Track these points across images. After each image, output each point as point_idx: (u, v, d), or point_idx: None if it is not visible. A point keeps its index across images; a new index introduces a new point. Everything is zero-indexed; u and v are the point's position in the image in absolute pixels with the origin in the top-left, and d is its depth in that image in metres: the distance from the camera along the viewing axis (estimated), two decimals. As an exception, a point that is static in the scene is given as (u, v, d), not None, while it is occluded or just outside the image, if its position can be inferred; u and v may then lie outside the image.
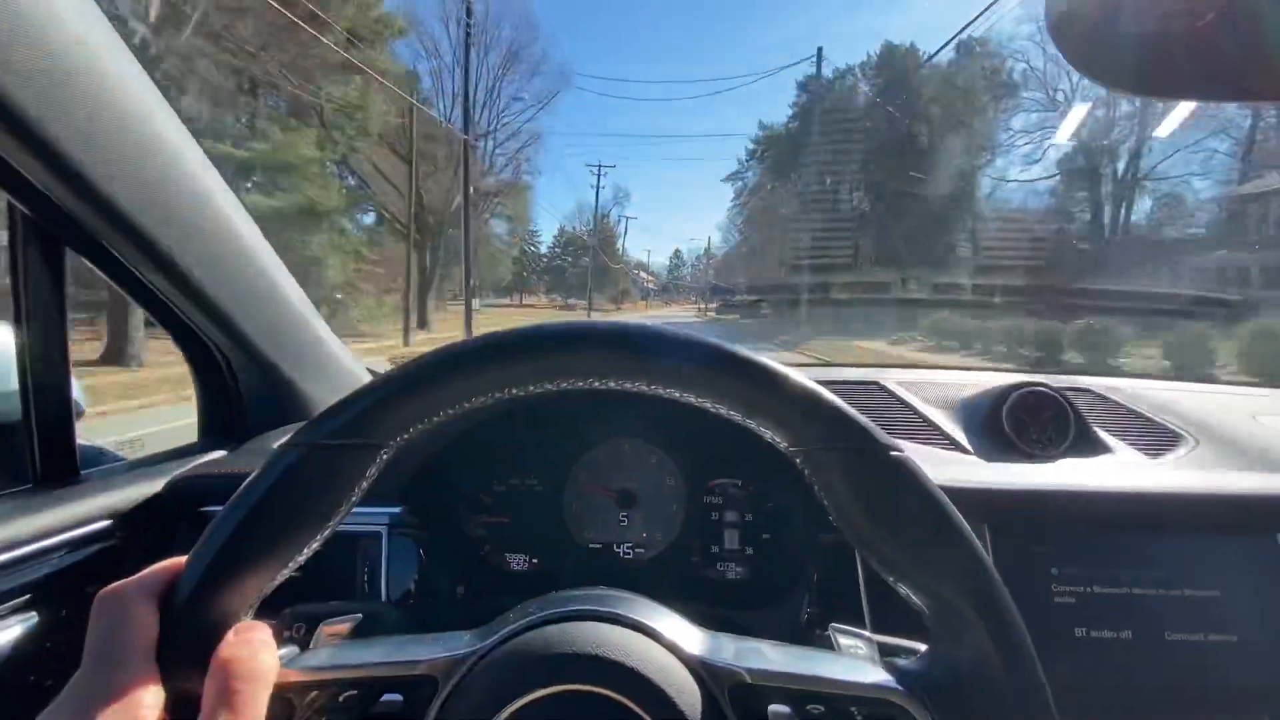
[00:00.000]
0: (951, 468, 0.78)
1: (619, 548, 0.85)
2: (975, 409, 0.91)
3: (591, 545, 0.85)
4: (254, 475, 0.37)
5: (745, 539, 0.84)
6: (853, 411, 0.41)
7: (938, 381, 1.02)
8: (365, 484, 0.39)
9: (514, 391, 0.41)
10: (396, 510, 0.76)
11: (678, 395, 0.41)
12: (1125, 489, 0.73)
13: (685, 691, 0.39)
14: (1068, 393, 0.89)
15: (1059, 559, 0.71)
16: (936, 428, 0.89)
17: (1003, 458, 0.83)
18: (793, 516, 0.84)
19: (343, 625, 0.50)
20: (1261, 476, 0.76)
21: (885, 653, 0.47)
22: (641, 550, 0.85)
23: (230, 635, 0.36)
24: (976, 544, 0.39)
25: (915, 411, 0.93)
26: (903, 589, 0.41)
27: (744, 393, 0.41)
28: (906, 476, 0.40)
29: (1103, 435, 0.86)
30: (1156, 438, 0.88)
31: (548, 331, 0.41)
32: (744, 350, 0.42)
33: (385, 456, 0.39)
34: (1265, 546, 0.70)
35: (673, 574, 0.83)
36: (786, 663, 0.42)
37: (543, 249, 64.31)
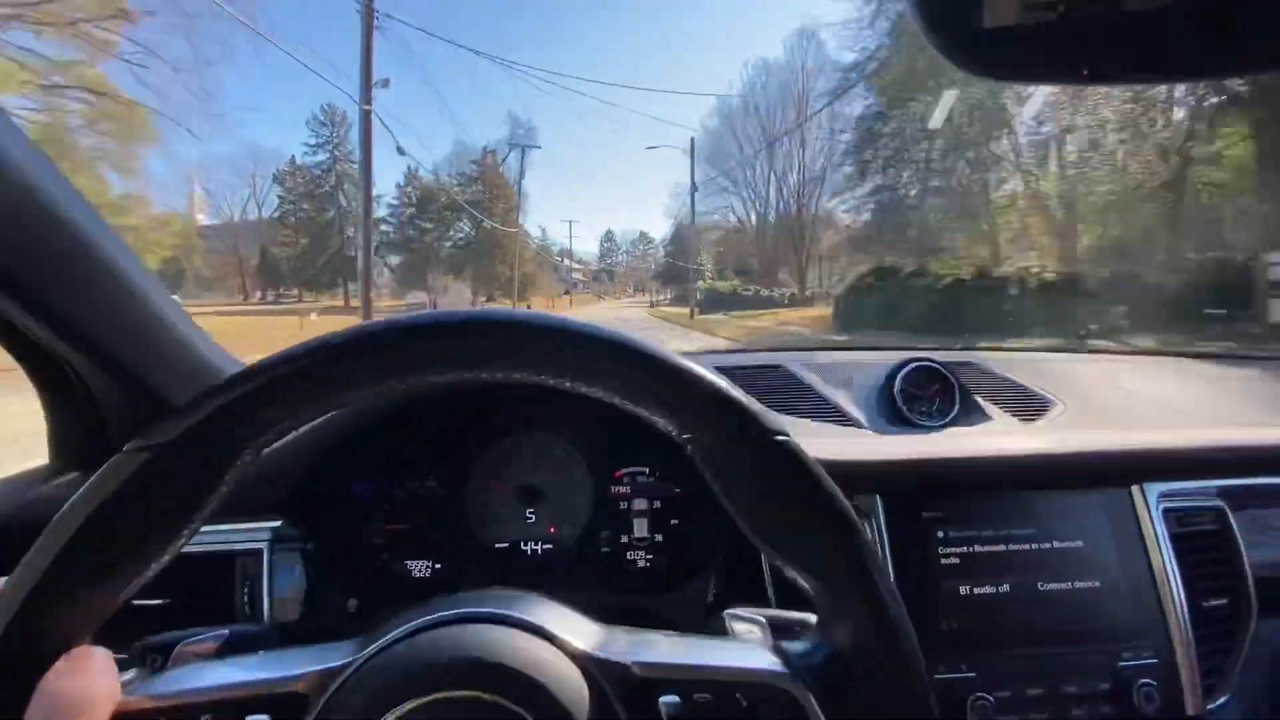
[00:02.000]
0: (845, 442, 0.80)
1: (526, 545, 0.83)
2: (869, 386, 0.95)
3: (497, 545, 0.83)
4: (85, 487, 0.34)
5: (654, 526, 0.84)
6: (738, 394, 0.41)
7: (838, 362, 1.06)
8: (222, 492, 0.36)
9: (391, 388, 0.39)
10: (277, 524, 0.71)
11: (564, 384, 0.40)
12: (1000, 453, 0.78)
13: (571, 689, 0.38)
14: (953, 366, 0.93)
15: (945, 522, 0.75)
16: (834, 406, 0.92)
17: (894, 430, 0.87)
18: (700, 500, 0.85)
19: (205, 644, 0.46)
20: (1119, 435, 0.83)
21: (779, 629, 0.48)
22: (550, 546, 0.83)
23: (60, 662, 0.32)
24: (858, 525, 0.40)
25: (814, 392, 0.96)
26: (789, 572, 0.41)
27: (627, 378, 0.40)
28: (790, 459, 0.40)
29: (984, 404, 0.91)
30: (1030, 404, 0.94)
31: (425, 322, 0.39)
32: (626, 334, 0.41)
33: (248, 460, 0.36)
34: (1121, 499, 0.76)
35: (583, 567, 0.82)
36: (675, 653, 0.42)
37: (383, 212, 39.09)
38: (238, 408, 0.36)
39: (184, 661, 0.43)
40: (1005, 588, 0.73)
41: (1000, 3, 0.49)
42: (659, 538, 0.84)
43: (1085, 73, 0.56)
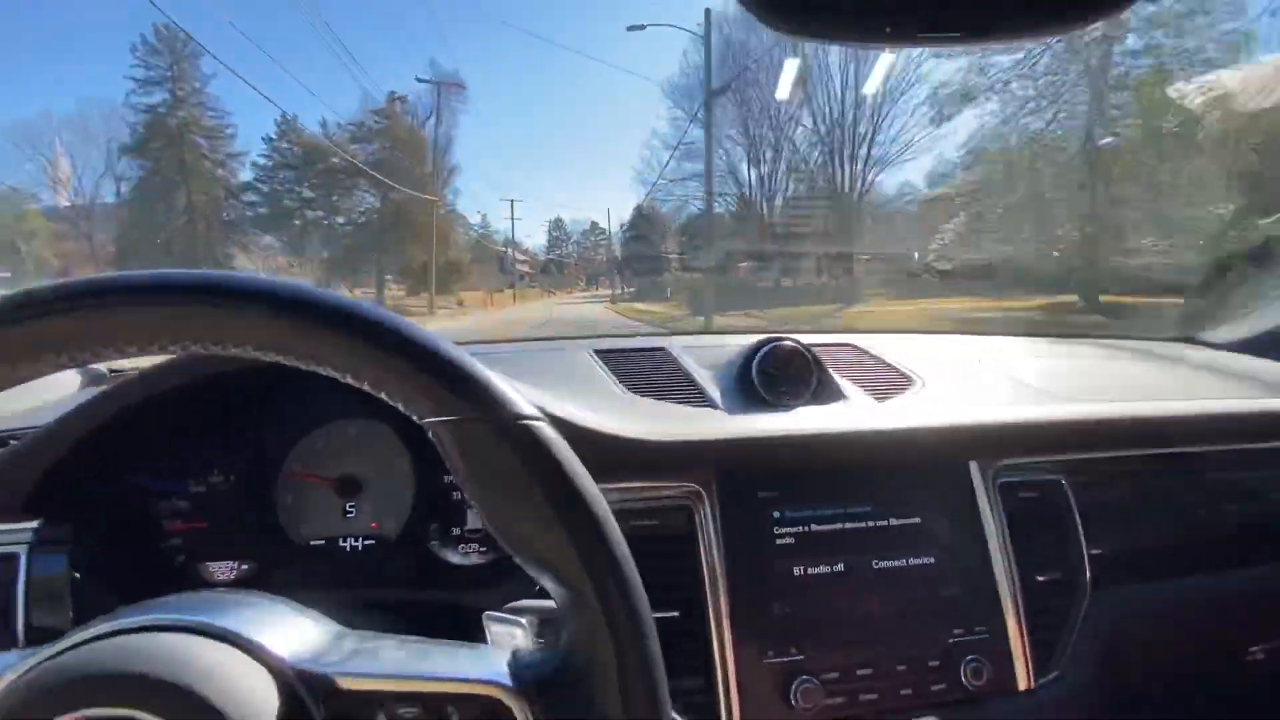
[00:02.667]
0: (687, 424, 0.77)
1: (344, 542, 0.77)
2: (733, 367, 0.92)
3: (312, 542, 0.76)
4: None
5: None
6: (481, 371, 0.36)
7: (719, 344, 1.03)
8: None
9: (64, 359, 0.34)
10: (35, 525, 0.63)
11: (279, 360, 0.35)
12: (838, 429, 0.76)
13: (252, 703, 0.34)
14: (815, 347, 0.92)
15: (783, 502, 0.72)
16: (698, 388, 0.89)
17: (747, 410, 0.84)
18: None
19: None
20: (963, 411, 0.82)
21: (545, 625, 0.45)
22: (371, 542, 0.77)
23: None
24: (607, 528, 0.37)
25: (685, 374, 0.93)
26: (532, 572, 0.38)
27: (355, 353, 0.35)
28: (536, 447, 0.36)
29: (842, 383, 0.90)
30: (889, 382, 0.93)
31: (119, 283, 0.34)
32: (353, 301, 0.36)
33: None
34: (958, 475, 0.76)
35: (409, 563, 0.76)
36: (392, 663, 0.38)
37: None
38: None
39: None
40: (840, 567, 0.71)
41: None
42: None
43: (887, 30, 0.56)
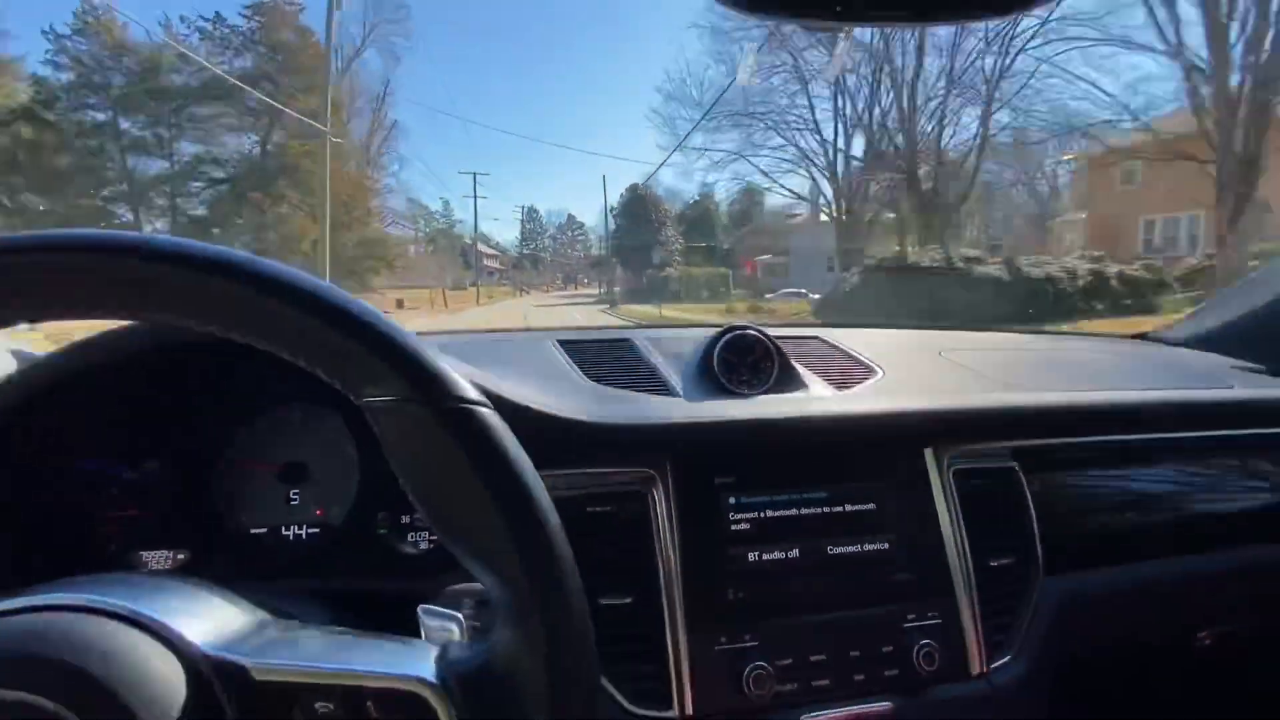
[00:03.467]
0: (644, 409, 0.76)
1: (288, 530, 0.74)
2: (694, 355, 0.91)
3: (253, 530, 0.73)
4: None
5: None
6: (422, 350, 0.35)
7: (681, 336, 1.02)
8: None
9: None
10: None
11: (212, 329, 0.34)
12: (794, 415, 0.75)
13: (156, 688, 0.33)
14: (781, 340, 0.91)
15: (738, 487, 0.71)
16: (659, 377, 0.88)
17: (705, 397, 0.83)
18: None
19: None
20: (923, 398, 0.82)
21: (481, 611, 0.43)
22: (315, 530, 0.74)
23: None
24: (546, 520, 0.35)
25: (648, 364, 0.92)
26: (465, 561, 0.36)
27: (291, 325, 0.34)
28: (476, 432, 0.35)
29: (803, 372, 0.89)
30: (850, 373, 0.93)
31: (44, 240, 0.33)
32: (289, 270, 0.34)
33: None
34: (914, 460, 0.76)
35: (354, 552, 0.74)
36: (311, 655, 0.37)
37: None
38: None
39: None
40: (795, 553, 0.70)
41: None
42: None
43: (837, 9, 0.56)
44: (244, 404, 0.75)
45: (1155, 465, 0.89)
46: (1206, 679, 0.91)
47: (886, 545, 0.72)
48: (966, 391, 0.90)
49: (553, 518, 0.36)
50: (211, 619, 0.38)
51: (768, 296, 21.38)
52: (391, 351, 0.34)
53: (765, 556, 0.70)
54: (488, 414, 0.36)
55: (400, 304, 22.79)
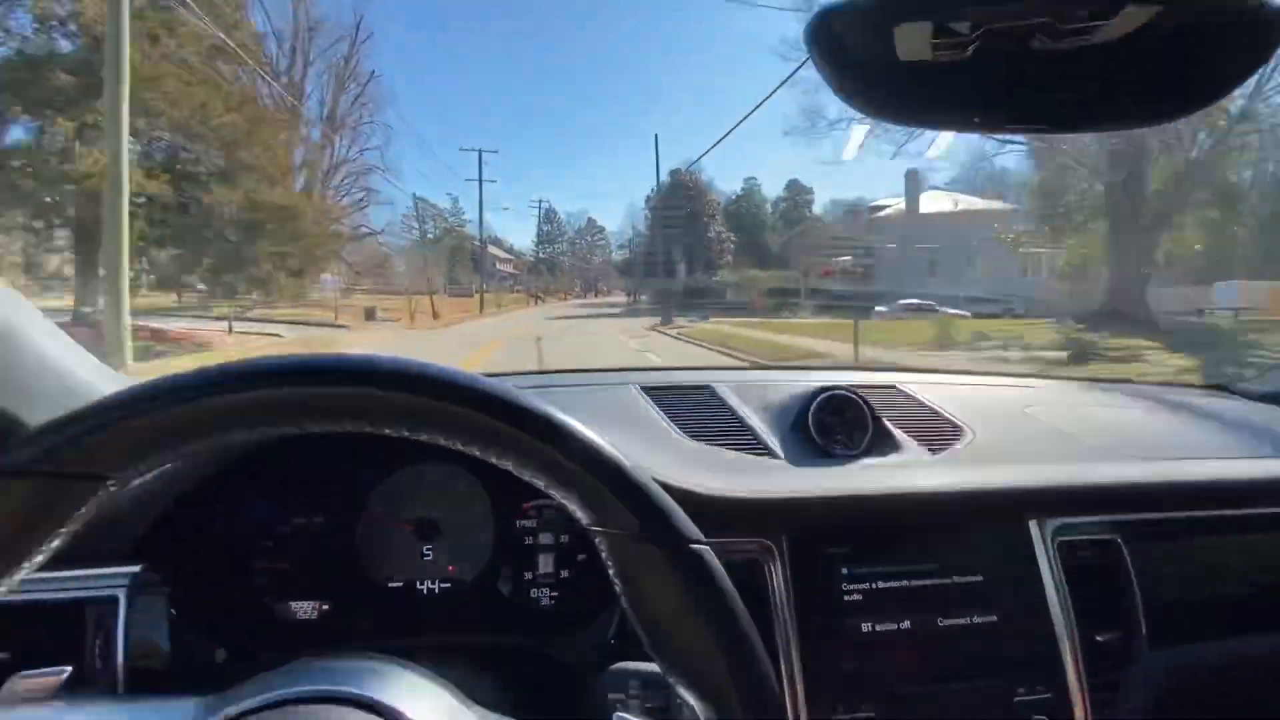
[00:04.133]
0: (756, 478, 0.79)
1: (421, 585, 0.78)
2: (787, 412, 0.94)
3: (391, 584, 0.78)
4: None
5: (560, 562, 0.80)
6: (657, 491, 0.39)
7: (761, 382, 1.05)
8: (72, 527, 0.33)
9: (271, 430, 0.37)
10: (135, 569, 0.64)
11: (455, 446, 0.38)
12: (905, 490, 0.78)
13: None
14: (865, 392, 0.94)
15: (851, 558, 0.74)
16: (753, 433, 0.91)
17: (808, 461, 0.86)
18: None
19: (42, 681, 0.42)
20: (1020, 468, 0.85)
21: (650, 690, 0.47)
22: (447, 585, 0.79)
23: None
24: (758, 651, 0.39)
25: (735, 416, 0.94)
26: (673, 677, 0.40)
27: (527, 451, 0.38)
28: (703, 573, 0.38)
29: (896, 433, 0.92)
30: (940, 432, 0.95)
31: (329, 363, 0.37)
32: (531, 400, 0.38)
33: (110, 490, 0.34)
34: (1018, 533, 0.78)
35: (482, 608, 0.78)
36: None
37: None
38: (102, 435, 0.33)
39: (11, 700, 0.39)
40: (906, 624, 0.73)
41: (910, 37, 0.49)
42: (564, 574, 0.80)
43: (975, 121, 0.58)
44: (381, 461, 0.79)
45: (1256, 535, 0.90)
46: None
47: (995, 618, 0.74)
48: (1064, 460, 0.91)
49: (759, 644, 0.39)
50: (437, 708, 0.41)
51: (879, 311, 17.89)
52: (634, 493, 0.38)
53: (879, 628, 0.72)
54: (711, 557, 0.39)
55: (370, 314, 20.96)
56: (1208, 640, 0.83)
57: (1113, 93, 0.55)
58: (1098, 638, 0.76)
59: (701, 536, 0.39)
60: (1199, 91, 0.52)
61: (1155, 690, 0.77)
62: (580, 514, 0.39)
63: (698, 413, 0.95)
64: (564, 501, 0.39)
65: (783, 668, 0.69)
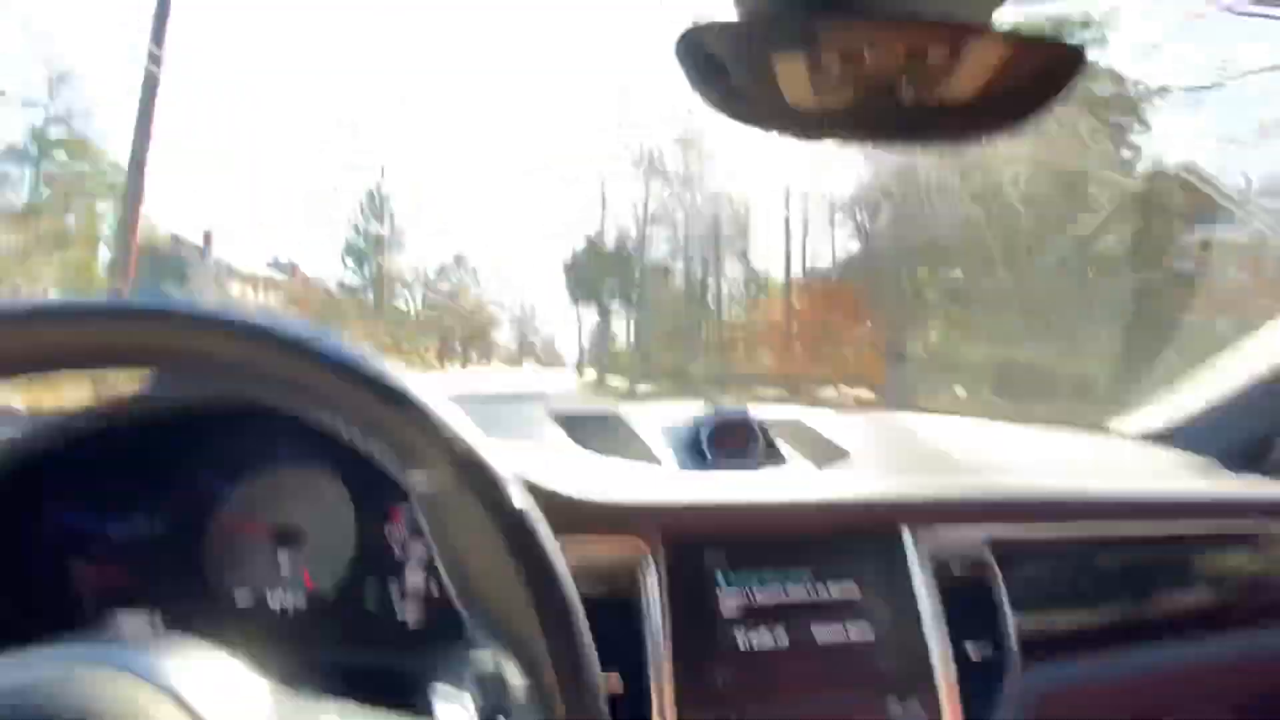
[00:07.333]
0: (636, 484, 0.78)
1: (275, 597, 0.73)
2: (682, 429, 0.95)
3: (240, 596, 0.72)
4: None
5: (431, 573, 0.76)
6: (482, 449, 0.37)
7: (668, 410, 1.05)
8: None
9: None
10: None
11: (262, 400, 0.39)
12: (786, 498, 0.78)
13: None
14: (767, 420, 0.95)
15: (726, 569, 0.73)
16: (649, 450, 0.91)
17: (693, 470, 0.86)
18: None
19: None
20: (897, 479, 0.86)
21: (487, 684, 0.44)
22: (303, 598, 0.73)
23: None
24: (579, 625, 0.38)
25: (637, 438, 0.94)
26: (491, 646, 0.39)
27: (350, 400, 0.36)
28: (527, 538, 0.37)
29: (784, 449, 0.93)
30: (828, 450, 0.97)
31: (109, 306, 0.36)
32: (346, 345, 0.37)
33: None
34: (892, 545, 0.78)
35: (342, 623, 0.73)
36: None
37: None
38: None
39: None
40: (781, 633, 0.71)
41: (793, 80, 0.53)
42: (434, 588, 0.76)
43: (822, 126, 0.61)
44: (235, 464, 0.74)
45: (1130, 554, 0.92)
46: None
47: (869, 631, 0.74)
48: (941, 474, 0.94)
49: (585, 625, 0.38)
50: (227, 686, 0.37)
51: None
52: (461, 450, 0.36)
53: (753, 639, 0.70)
54: (538, 521, 0.38)
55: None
56: (1081, 656, 0.84)
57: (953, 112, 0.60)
58: (970, 653, 0.76)
59: (529, 502, 0.38)
60: (1015, 112, 0.58)
61: (1029, 706, 0.77)
62: (391, 462, 0.38)
63: (604, 436, 0.95)
64: (382, 459, 0.38)
65: (652, 679, 0.67)
